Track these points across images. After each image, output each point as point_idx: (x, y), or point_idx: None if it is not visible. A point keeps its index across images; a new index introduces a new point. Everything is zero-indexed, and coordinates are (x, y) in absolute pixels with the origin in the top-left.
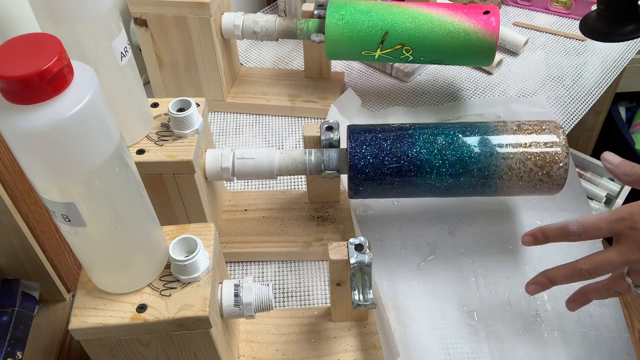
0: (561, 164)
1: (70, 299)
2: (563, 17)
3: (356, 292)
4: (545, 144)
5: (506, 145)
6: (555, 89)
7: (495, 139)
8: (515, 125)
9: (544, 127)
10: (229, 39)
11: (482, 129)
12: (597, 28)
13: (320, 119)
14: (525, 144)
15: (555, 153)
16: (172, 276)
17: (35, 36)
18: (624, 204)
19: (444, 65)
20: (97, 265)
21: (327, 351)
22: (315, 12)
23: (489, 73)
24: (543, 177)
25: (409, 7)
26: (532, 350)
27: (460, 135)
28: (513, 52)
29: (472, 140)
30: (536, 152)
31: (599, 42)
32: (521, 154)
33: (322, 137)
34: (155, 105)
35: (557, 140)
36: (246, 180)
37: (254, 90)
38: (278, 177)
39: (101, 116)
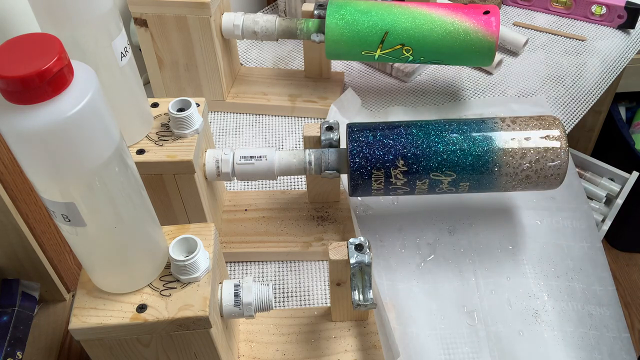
0: (560, 157)
1: (70, 299)
2: (563, 17)
3: (356, 292)
4: (544, 137)
5: (505, 140)
6: (555, 89)
7: (494, 134)
8: (514, 121)
9: (542, 122)
10: (229, 39)
11: (481, 124)
12: None
13: (320, 119)
14: (524, 138)
15: (554, 146)
16: (172, 276)
17: (35, 36)
18: (623, 204)
19: (444, 65)
20: (97, 265)
21: (327, 351)
22: (315, 12)
23: (489, 73)
24: (542, 171)
25: (409, 7)
26: (532, 350)
27: (460, 132)
28: (513, 52)
29: (472, 136)
30: (535, 147)
31: (599, 42)
32: (520, 149)
33: (322, 137)
34: (155, 105)
35: (556, 133)
36: (246, 181)
37: (253, 90)
38: (278, 177)
39: (101, 116)
